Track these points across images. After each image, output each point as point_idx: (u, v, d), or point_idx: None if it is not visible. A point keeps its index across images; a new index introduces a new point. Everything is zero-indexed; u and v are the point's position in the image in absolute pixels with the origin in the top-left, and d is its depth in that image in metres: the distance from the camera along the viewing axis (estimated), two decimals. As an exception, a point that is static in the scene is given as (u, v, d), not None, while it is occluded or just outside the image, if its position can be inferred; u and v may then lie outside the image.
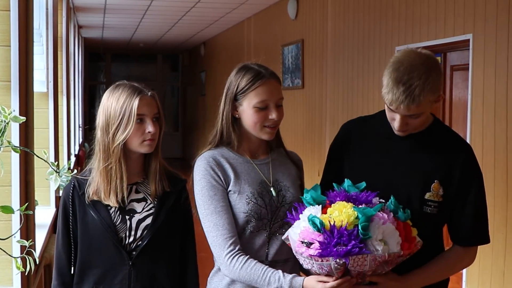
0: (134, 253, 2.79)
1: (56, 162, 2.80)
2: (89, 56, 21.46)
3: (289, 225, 2.75)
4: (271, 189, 2.80)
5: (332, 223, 2.41)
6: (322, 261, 2.41)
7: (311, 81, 9.37)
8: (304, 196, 2.59)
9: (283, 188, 2.82)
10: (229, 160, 2.81)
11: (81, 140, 13.75)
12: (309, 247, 2.43)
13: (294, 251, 2.54)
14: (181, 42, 18.35)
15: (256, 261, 2.67)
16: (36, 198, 4.18)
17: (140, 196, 2.85)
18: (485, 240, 2.87)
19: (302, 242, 2.46)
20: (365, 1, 7.59)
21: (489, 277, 5.24)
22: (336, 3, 8.46)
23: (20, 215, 2.94)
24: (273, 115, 2.76)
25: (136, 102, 2.74)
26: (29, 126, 3.80)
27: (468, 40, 5.48)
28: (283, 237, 2.65)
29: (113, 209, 2.80)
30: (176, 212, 2.85)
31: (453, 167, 2.75)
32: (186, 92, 22.36)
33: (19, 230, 3.10)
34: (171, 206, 2.85)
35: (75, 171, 2.94)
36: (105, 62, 22.59)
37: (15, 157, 3.49)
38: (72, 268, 2.85)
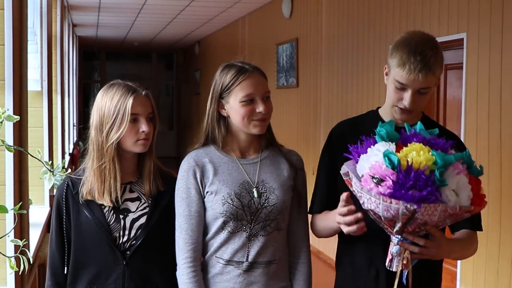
0: (128, 252, 2.79)
1: (50, 161, 2.79)
2: (84, 55, 21.43)
3: (271, 226, 2.77)
4: (254, 190, 2.78)
5: (409, 163, 2.27)
6: (391, 202, 2.28)
7: (305, 79, 9.37)
8: (377, 130, 2.45)
9: (268, 189, 2.79)
10: (213, 159, 2.81)
11: (75, 139, 13.72)
12: (379, 185, 2.29)
13: (356, 188, 2.41)
14: (175, 40, 18.34)
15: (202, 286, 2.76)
16: (30, 197, 4.17)
17: (134, 195, 2.85)
18: (480, 227, 2.89)
19: (372, 178, 2.31)
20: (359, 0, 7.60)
21: (483, 276, 5.25)
22: (330, 2, 8.46)
23: (14, 214, 2.93)
24: (260, 108, 2.74)
25: (130, 101, 2.74)
26: (23, 125, 3.80)
27: (462, 39, 5.48)
28: (341, 171, 2.51)
29: (107, 208, 2.80)
30: (170, 211, 2.84)
31: None
32: (180, 91, 22.34)
33: (13, 230, 3.09)
34: (165, 205, 2.85)
35: (69, 170, 2.93)
36: (99, 60, 22.56)
37: (9, 156, 3.48)
38: (66, 268, 2.84)
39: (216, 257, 2.78)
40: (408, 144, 2.41)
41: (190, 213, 2.77)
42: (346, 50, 7.94)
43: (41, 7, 6.34)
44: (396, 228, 2.40)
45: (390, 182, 2.27)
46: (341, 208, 2.55)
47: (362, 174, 2.39)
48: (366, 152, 2.43)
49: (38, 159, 2.65)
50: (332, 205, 2.83)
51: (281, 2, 10.15)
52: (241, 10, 12.16)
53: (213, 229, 2.77)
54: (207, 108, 2.86)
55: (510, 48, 4.93)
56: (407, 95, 2.67)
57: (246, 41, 12.80)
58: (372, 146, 2.43)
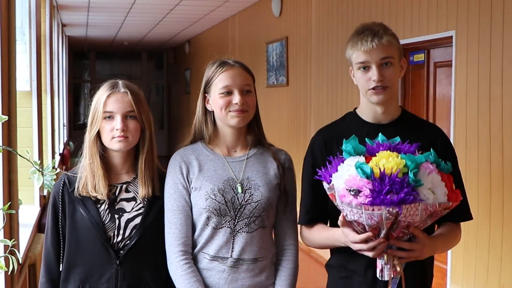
0: (121, 252, 2.79)
1: (40, 161, 2.78)
2: (74, 55, 21.37)
3: (255, 223, 2.80)
4: (238, 185, 2.81)
5: (382, 170, 2.32)
6: (373, 210, 2.32)
7: (295, 78, 9.38)
8: (343, 147, 2.50)
9: (253, 186, 2.83)
10: (199, 156, 2.87)
11: (65, 139, 13.70)
12: (357, 196, 2.33)
13: (338, 202, 2.44)
14: (165, 40, 18.32)
15: (197, 277, 2.76)
16: (20, 198, 4.17)
17: (130, 195, 2.86)
18: (471, 216, 2.90)
19: (349, 191, 2.35)
20: (349, -2, 7.61)
21: (474, 273, 5.27)
22: (319, 0, 8.47)
23: (3, 214, 2.93)
24: (236, 99, 2.80)
25: (103, 99, 2.78)
26: (12, 125, 3.79)
27: (451, 36, 5.50)
28: (326, 187, 2.50)
29: (102, 207, 2.81)
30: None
31: (434, 149, 2.81)
32: (171, 90, 22.32)
33: (2, 229, 3.08)
34: (160, 206, 2.86)
35: (58, 169, 2.93)
36: (89, 60, 22.50)
37: (-3, 156, 3.48)
38: (61, 265, 2.84)
39: (202, 252, 2.82)
40: (376, 154, 2.45)
41: (178, 208, 2.81)
42: (335, 48, 7.94)
43: (29, 7, 6.33)
44: (382, 235, 2.43)
45: (368, 191, 2.31)
46: (354, 236, 2.51)
47: (339, 189, 2.42)
48: (336, 171, 2.46)
49: (26, 159, 2.65)
50: (319, 216, 2.86)
51: (270, 1, 10.15)
52: (231, 9, 12.15)
53: (199, 225, 2.81)
54: (197, 103, 2.93)
55: (499, 45, 4.95)
56: (372, 72, 2.74)
57: (236, 39, 12.80)
58: (341, 164, 2.46)
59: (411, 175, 2.33)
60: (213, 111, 2.88)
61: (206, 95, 2.89)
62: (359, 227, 2.46)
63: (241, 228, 2.79)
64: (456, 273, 5.50)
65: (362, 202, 2.32)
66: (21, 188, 4.10)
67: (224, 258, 2.78)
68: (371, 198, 2.31)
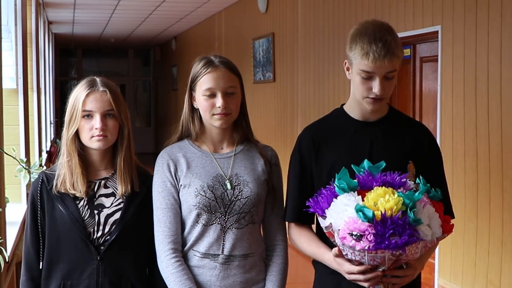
0: (102, 248, 2.79)
1: (26, 159, 2.78)
2: (60, 52, 21.31)
3: (245, 219, 2.81)
4: (227, 182, 2.82)
5: (382, 212, 2.29)
6: (376, 253, 2.31)
7: (282, 74, 9.39)
8: (337, 183, 2.44)
9: (242, 182, 2.83)
10: (187, 154, 2.87)
11: (52, 136, 13.66)
12: (359, 240, 2.30)
13: (338, 242, 2.41)
14: (152, 36, 18.29)
15: (188, 275, 2.76)
16: (7, 196, 4.16)
17: (109, 191, 2.86)
18: (453, 215, 2.90)
19: (351, 235, 2.31)
20: (335, -6, 7.62)
21: (461, 267, 5.29)
22: (306, -4, 8.48)
23: (-10, 212, 2.92)
24: (218, 103, 2.79)
25: (82, 98, 2.77)
26: (-2, 123, 3.78)
27: (437, 31, 5.51)
28: (323, 225, 2.48)
29: (81, 203, 2.80)
30: (145, 207, 2.85)
31: (421, 147, 2.83)
32: (158, 87, 22.29)
33: (-11, 228, 3.07)
34: (140, 201, 2.86)
35: (45, 167, 2.93)
36: (76, 57, 22.44)
37: (-16, 155, 3.46)
38: (41, 263, 2.84)
39: (193, 250, 2.81)
40: (370, 189, 2.42)
41: (167, 206, 2.80)
42: (322, 44, 7.95)
43: (15, 5, 6.31)
44: (380, 269, 2.44)
45: (371, 236, 2.28)
46: (350, 267, 2.50)
47: (337, 229, 2.39)
48: (328, 206, 2.44)
49: (12, 157, 2.65)
50: (306, 213, 2.82)
51: (257, -3, 10.16)
52: (217, 5, 12.15)
53: (188, 223, 2.81)
54: (184, 99, 2.93)
55: (484, 40, 4.96)
56: (375, 83, 2.67)
57: (223, 36, 12.79)
58: (335, 199, 2.43)
59: (411, 214, 2.31)
60: (199, 108, 2.87)
61: (192, 92, 2.87)
62: (356, 263, 2.45)
63: (231, 225, 2.79)
64: (444, 268, 5.52)
65: (366, 248, 2.30)
66: (8, 186, 4.08)
67: (215, 255, 2.78)
68: (374, 243, 2.29)
